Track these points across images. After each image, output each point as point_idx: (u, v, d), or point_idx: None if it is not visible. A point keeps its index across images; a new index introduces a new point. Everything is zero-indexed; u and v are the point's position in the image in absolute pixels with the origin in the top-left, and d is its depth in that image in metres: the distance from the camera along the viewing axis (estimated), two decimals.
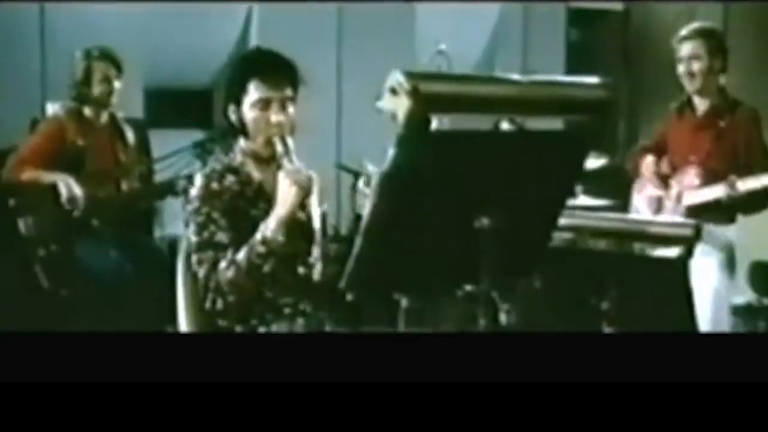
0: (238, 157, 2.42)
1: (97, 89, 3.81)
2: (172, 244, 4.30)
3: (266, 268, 2.30)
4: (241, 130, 2.38)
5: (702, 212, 3.40)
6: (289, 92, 2.35)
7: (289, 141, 2.34)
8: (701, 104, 3.56)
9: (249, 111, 2.35)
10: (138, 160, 4.02)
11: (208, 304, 2.33)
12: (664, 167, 3.68)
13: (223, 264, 2.31)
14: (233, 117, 2.38)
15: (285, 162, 2.31)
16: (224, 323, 2.36)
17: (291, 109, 2.36)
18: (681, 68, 3.53)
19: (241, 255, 2.30)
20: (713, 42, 3.51)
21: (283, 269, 2.35)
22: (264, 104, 2.33)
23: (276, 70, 2.36)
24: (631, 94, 5.88)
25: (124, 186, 3.91)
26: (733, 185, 3.33)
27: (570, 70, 5.88)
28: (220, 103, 2.46)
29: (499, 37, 6.00)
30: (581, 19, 6.30)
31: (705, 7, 5.45)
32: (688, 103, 3.60)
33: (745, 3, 5.44)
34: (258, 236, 2.30)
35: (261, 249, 2.29)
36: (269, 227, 2.29)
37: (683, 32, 3.55)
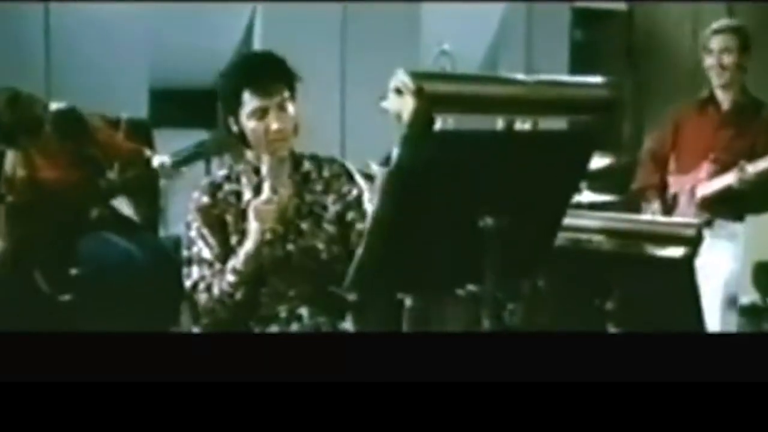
0: (240, 167, 2.40)
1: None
2: (177, 244, 4.31)
3: (238, 296, 2.29)
4: (242, 139, 2.34)
5: (714, 205, 3.49)
6: (284, 94, 2.30)
7: (272, 164, 2.28)
8: (725, 100, 3.61)
9: (247, 121, 2.30)
10: (136, 158, 4.00)
11: (192, 320, 2.36)
12: (673, 166, 3.71)
13: (201, 286, 2.32)
14: (234, 128, 2.34)
15: (265, 186, 2.26)
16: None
17: (291, 110, 2.31)
18: (710, 60, 3.58)
19: (216, 281, 2.30)
20: (743, 39, 3.59)
21: (279, 279, 2.33)
22: (261, 113, 2.28)
23: (266, 75, 2.30)
24: (635, 94, 5.87)
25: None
26: (743, 169, 3.41)
27: (574, 69, 5.88)
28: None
29: (503, 37, 6.00)
30: (585, 18, 6.29)
31: (709, 7, 5.44)
32: (711, 98, 3.64)
33: (749, 4, 5.43)
34: (230, 265, 2.29)
35: (231, 278, 2.28)
36: (239, 258, 2.28)
37: (716, 26, 3.62)
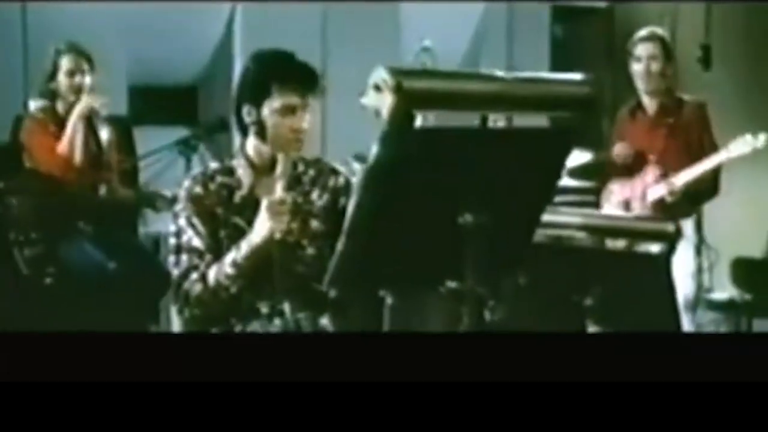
0: (234, 159, 2.40)
1: (63, 82, 3.76)
2: (156, 241, 4.31)
3: (233, 289, 2.29)
4: (259, 132, 2.35)
5: (666, 207, 3.64)
6: (310, 99, 2.34)
7: (286, 163, 2.29)
8: (651, 104, 3.79)
9: (271, 116, 2.32)
10: (119, 158, 4.00)
11: (176, 309, 2.34)
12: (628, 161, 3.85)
13: (194, 275, 2.31)
14: (249, 118, 2.34)
15: (278, 186, 2.27)
16: (194, 328, 2.36)
17: (308, 116, 2.35)
18: (638, 67, 3.74)
19: (212, 273, 2.29)
20: (667, 47, 3.77)
21: (263, 275, 2.33)
22: (288, 111, 2.31)
23: (302, 77, 2.34)
24: (615, 91, 5.90)
25: (101, 184, 3.88)
26: (671, 183, 3.61)
27: (555, 66, 5.90)
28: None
29: (483, 33, 6.00)
30: (566, 15, 6.31)
31: (687, 6, 5.47)
32: (638, 105, 3.83)
33: (728, 3, 5.45)
34: (229, 258, 2.28)
35: (230, 271, 2.28)
36: (241, 252, 2.27)
37: (643, 33, 3.78)
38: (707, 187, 3.69)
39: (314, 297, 2.36)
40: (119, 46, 4.68)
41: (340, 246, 1.95)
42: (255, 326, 2.33)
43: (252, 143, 2.38)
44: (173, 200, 3.79)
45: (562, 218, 2.42)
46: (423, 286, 2.36)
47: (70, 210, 3.80)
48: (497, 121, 4.02)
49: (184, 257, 2.32)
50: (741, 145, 3.52)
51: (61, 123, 3.77)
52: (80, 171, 3.77)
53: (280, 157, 2.29)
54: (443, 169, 1.93)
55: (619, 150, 3.78)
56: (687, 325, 3.59)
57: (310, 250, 2.40)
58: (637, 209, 3.74)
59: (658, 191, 3.68)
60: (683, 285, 3.58)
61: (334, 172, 2.49)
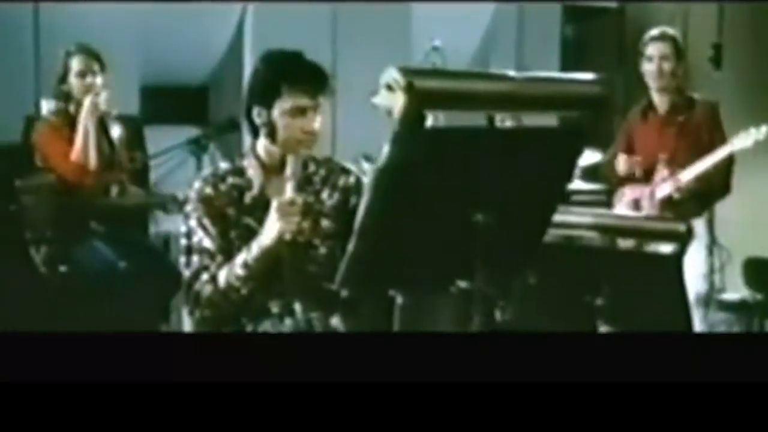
0: (245, 160, 2.40)
1: (74, 83, 3.78)
2: (167, 241, 4.32)
3: (244, 291, 2.28)
4: (269, 133, 2.35)
5: (675, 205, 3.64)
6: (321, 100, 2.33)
7: (296, 164, 2.28)
8: (662, 103, 3.80)
9: (281, 117, 2.31)
10: (131, 157, 4.01)
11: (187, 310, 2.34)
12: (636, 169, 3.86)
13: (204, 276, 2.30)
14: (259, 120, 2.34)
15: (288, 187, 2.26)
16: (205, 328, 2.36)
17: (319, 118, 2.34)
18: (650, 66, 3.75)
19: (222, 274, 2.29)
20: (679, 47, 3.78)
21: (275, 274, 2.33)
22: (299, 112, 2.30)
23: (312, 78, 2.33)
24: (625, 90, 5.89)
25: (113, 185, 3.89)
26: (677, 180, 3.62)
27: (565, 66, 5.89)
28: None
29: (494, 33, 5.99)
30: (576, 15, 6.30)
31: (698, 6, 5.45)
32: (649, 105, 3.84)
33: (739, 4, 5.43)
34: (240, 259, 2.28)
35: (240, 272, 2.27)
36: (252, 253, 2.27)
37: (655, 33, 3.80)
38: (717, 186, 3.68)
39: (325, 297, 2.36)
40: (131, 47, 4.70)
41: (350, 246, 1.95)
42: (266, 326, 2.32)
43: (262, 144, 2.38)
44: (183, 202, 3.82)
45: (573, 218, 2.42)
46: (433, 285, 2.35)
47: (83, 210, 3.82)
48: (504, 120, 4.03)
49: (195, 258, 2.32)
50: (743, 139, 3.52)
51: (74, 125, 3.79)
52: (94, 174, 3.78)
53: (290, 158, 2.29)
54: (454, 170, 1.93)
55: (624, 162, 3.79)
56: (699, 325, 3.57)
57: (321, 250, 2.39)
58: (647, 208, 3.74)
59: (665, 189, 3.67)
60: (695, 285, 3.56)
61: (345, 171, 2.49)
